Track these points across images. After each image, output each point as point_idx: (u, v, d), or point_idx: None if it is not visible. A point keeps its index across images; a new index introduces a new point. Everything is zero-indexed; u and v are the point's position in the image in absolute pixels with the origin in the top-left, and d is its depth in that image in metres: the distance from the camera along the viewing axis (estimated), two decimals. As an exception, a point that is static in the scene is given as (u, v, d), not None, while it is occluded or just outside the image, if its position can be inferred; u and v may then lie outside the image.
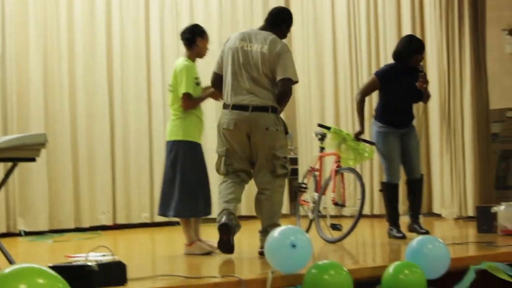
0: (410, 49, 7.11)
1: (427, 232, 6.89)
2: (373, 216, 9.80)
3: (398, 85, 7.08)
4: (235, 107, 5.96)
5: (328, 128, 7.30)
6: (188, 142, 6.30)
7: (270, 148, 5.94)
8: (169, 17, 10.38)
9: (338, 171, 7.09)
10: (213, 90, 6.34)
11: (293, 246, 4.36)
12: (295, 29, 11.13)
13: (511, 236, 6.65)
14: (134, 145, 10.06)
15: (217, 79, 6.20)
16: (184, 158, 6.25)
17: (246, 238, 7.35)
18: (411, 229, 7.09)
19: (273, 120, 5.95)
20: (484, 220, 7.10)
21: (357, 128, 7.28)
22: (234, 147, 6.02)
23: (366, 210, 9.92)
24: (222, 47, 6.27)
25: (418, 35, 9.87)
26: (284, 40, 6.28)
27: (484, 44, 9.81)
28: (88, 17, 9.84)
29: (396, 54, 7.19)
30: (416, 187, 7.23)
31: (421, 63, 7.31)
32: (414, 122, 7.42)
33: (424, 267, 4.67)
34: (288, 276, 4.39)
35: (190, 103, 6.28)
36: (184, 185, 6.23)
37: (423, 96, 7.25)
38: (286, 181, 6.39)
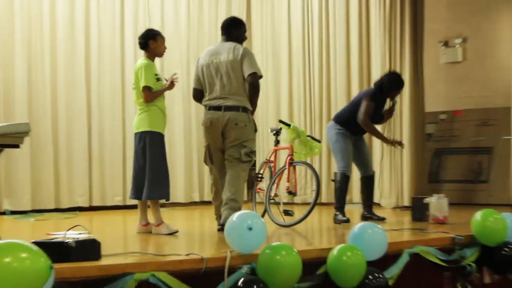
0: (397, 86, 7.40)
1: (383, 219, 7.20)
2: (320, 204, 9.84)
3: (374, 109, 7.25)
4: (211, 108, 6.29)
5: (288, 125, 7.34)
6: (155, 133, 6.28)
7: (238, 139, 6.19)
8: (142, 20, 10.34)
9: (292, 163, 7.12)
10: (170, 84, 6.39)
11: (250, 229, 4.38)
12: (255, 36, 11.23)
13: (441, 224, 6.74)
14: (108, 136, 10.04)
15: (197, 94, 6.54)
16: (151, 146, 6.24)
17: (208, 221, 7.37)
18: (367, 217, 7.25)
19: (243, 118, 6.21)
20: (418, 209, 7.18)
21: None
22: (212, 142, 6.33)
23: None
24: (196, 65, 6.55)
25: (364, 45, 10.01)
26: (245, 43, 6.44)
27: (422, 54, 9.92)
28: (68, 20, 9.80)
29: (381, 85, 7.36)
30: (370, 182, 7.47)
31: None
32: None
33: (364, 250, 4.71)
34: (244, 256, 4.40)
35: (150, 94, 6.25)
36: (153, 171, 6.22)
37: (384, 120, 7.62)
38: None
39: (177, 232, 6.15)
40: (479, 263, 5.54)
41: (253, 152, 6.34)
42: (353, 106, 7.37)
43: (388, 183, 9.70)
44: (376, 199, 9.37)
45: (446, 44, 10.39)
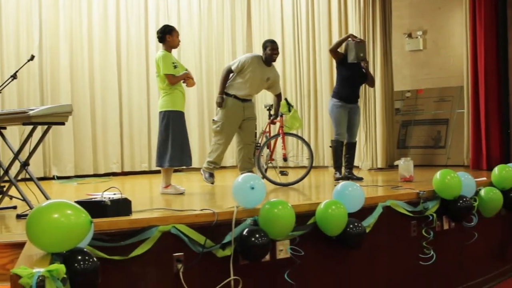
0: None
1: (361, 178, 7.10)
2: (316, 167, 9.83)
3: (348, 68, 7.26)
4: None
5: (291, 105, 7.28)
6: (176, 111, 6.23)
7: None
8: (162, 18, 10.28)
9: (285, 133, 7.07)
10: (187, 73, 6.30)
11: (252, 188, 4.36)
12: (254, 29, 11.16)
13: (407, 182, 6.73)
14: (136, 112, 10.02)
15: (228, 73, 6.86)
16: (173, 123, 6.18)
17: (217, 182, 7.35)
18: (348, 177, 7.14)
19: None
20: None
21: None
22: None
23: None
24: (244, 58, 6.81)
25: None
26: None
27: (390, 44, 9.85)
28: (102, 17, 9.74)
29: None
30: (352, 148, 7.37)
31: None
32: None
33: (346, 204, 4.70)
34: (248, 210, 4.39)
35: (173, 78, 6.16)
36: (174, 143, 6.17)
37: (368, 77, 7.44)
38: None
39: (183, 192, 6.11)
40: (440, 213, 5.54)
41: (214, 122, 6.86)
42: (337, 78, 7.35)
43: (365, 149, 9.66)
44: (355, 162, 9.37)
45: (409, 35, 10.34)
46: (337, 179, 7.05)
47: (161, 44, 6.39)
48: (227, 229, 4.19)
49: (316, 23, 10.42)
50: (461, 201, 5.50)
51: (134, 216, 4.12)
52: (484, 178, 6.43)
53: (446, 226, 5.65)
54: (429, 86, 10.12)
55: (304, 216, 4.63)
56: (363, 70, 7.31)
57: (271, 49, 6.79)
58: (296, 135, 7.37)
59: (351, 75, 7.18)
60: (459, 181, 5.53)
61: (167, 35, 6.31)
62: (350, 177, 7.16)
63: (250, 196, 4.37)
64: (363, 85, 7.87)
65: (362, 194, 4.88)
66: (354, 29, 9.79)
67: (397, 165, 7.17)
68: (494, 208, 5.92)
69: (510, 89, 8.53)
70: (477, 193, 5.85)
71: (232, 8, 11.21)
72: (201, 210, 4.34)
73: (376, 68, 9.59)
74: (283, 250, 4.48)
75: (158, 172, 8.17)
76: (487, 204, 5.84)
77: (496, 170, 6.26)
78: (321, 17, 10.33)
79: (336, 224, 4.59)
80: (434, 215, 5.42)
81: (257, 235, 4.17)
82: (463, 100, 9.13)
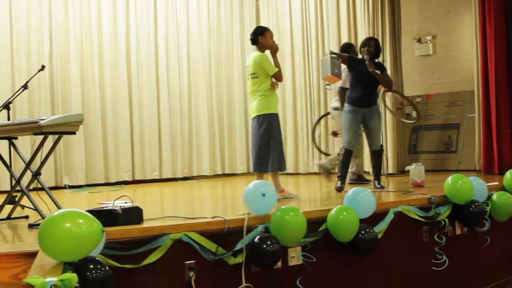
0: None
1: (382, 187, 6.77)
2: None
3: (358, 72, 7.06)
4: None
5: None
6: (275, 114, 6.12)
7: None
8: (172, 27, 10.31)
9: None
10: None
11: (263, 195, 4.36)
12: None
13: (419, 187, 6.70)
14: (147, 122, 10.03)
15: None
16: (274, 126, 6.08)
17: (228, 189, 7.35)
18: (375, 185, 6.89)
19: None
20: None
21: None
22: None
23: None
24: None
25: (357, 44, 9.84)
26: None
27: (400, 49, 9.84)
28: (112, 27, 9.78)
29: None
30: (375, 155, 7.00)
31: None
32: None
33: (357, 210, 4.69)
34: (259, 217, 4.39)
35: (281, 76, 6.15)
36: (277, 146, 6.08)
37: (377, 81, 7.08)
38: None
39: (297, 196, 6.04)
40: (452, 218, 5.51)
41: None
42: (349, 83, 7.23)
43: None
44: (366, 167, 9.32)
45: (419, 40, 10.31)
46: (337, 189, 6.68)
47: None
48: (238, 237, 4.19)
49: (325, 30, 10.42)
50: (473, 206, 5.47)
51: (145, 224, 4.13)
52: (496, 183, 6.40)
53: (458, 231, 5.63)
54: (440, 91, 10.08)
55: (315, 223, 4.62)
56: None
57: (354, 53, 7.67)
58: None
59: (360, 76, 6.89)
60: (470, 186, 5.51)
61: (260, 36, 6.24)
62: (379, 187, 6.85)
63: (261, 203, 4.37)
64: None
65: (373, 200, 4.87)
66: (363, 34, 9.78)
67: (408, 171, 7.14)
68: (507, 213, 5.89)
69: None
70: (489, 197, 5.82)
71: (241, 17, 11.23)
72: (212, 217, 4.34)
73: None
74: (295, 257, 4.47)
75: (170, 180, 8.21)
76: (499, 208, 5.81)
77: (508, 174, 6.23)
78: (330, 24, 10.33)
79: (347, 230, 4.58)
80: (446, 220, 5.40)
81: (268, 242, 4.17)
82: (474, 104, 9.09)
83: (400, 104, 8.61)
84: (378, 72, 6.84)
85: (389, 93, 8.55)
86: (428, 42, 10.22)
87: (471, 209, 5.46)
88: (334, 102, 8.04)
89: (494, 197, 5.84)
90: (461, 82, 9.82)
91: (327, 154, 8.59)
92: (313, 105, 10.53)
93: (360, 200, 4.77)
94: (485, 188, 5.76)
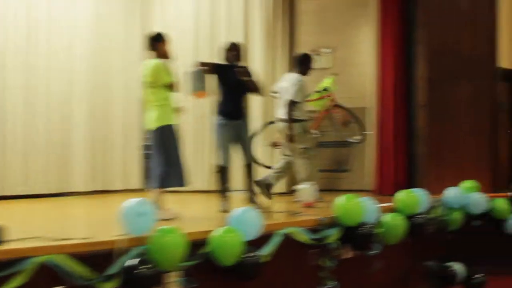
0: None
1: (264, 206, 6.87)
2: (207, 191, 9.82)
3: (224, 78, 7.13)
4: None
5: None
6: (170, 126, 6.11)
7: None
8: (44, 33, 9.97)
9: None
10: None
11: (140, 214, 4.32)
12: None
13: (309, 208, 6.86)
14: (20, 133, 9.54)
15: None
16: (169, 139, 6.08)
17: (105, 207, 7.21)
18: (252, 201, 7.06)
19: None
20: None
21: None
22: None
23: (201, 187, 9.98)
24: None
25: (251, 54, 9.94)
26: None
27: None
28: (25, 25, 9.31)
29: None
30: (248, 170, 7.14)
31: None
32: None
33: (243, 231, 4.74)
34: (136, 238, 4.34)
35: (178, 85, 6.13)
36: (171, 161, 6.09)
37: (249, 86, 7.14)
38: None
39: (176, 216, 5.98)
40: (342, 241, 5.67)
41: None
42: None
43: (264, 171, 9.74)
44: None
45: (316, 52, 10.54)
46: (222, 211, 6.65)
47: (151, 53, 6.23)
48: (112, 259, 4.12)
49: (217, 36, 10.42)
50: (363, 228, 5.67)
51: (6, 246, 3.99)
52: (389, 204, 6.67)
53: (348, 255, 5.80)
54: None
55: (198, 245, 4.63)
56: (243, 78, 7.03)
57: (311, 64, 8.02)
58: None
59: (232, 86, 6.95)
60: (361, 207, 5.71)
61: (157, 43, 6.19)
62: (253, 201, 7.04)
63: (138, 222, 4.33)
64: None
65: (259, 221, 4.93)
66: (259, 44, 9.92)
67: (298, 190, 7.30)
68: (398, 235, 6.15)
69: (418, 112, 8.89)
70: (380, 219, 6.06)
71: (126, 17, 11.00)
72: (84, 238, 4.26)
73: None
74: (174, 282, 4.46)
75: (40, 196, 7.88)
76: (390, 230, 6.06)
77: (400, 195, 6.52)
78: (222, 31, 10.35)
79: (231, 253, 4.62)
80: (336, 243, 5.55)
81: (145, 266, 4.13)
82: (371, 121, 9.41)
83: (346, 122, 8.82)
84: (249, 79, 7.00)
85: (337, 109, 8.77)
86: (326, 54, 10.48)
87: (361, 231, 5.65)
88: (281, 113, 8.09)
89: (386, 218, 6.10)
90: (358, 98, 10.13)
91: (267, 167, 8.67)
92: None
93: (246, 221, 4.83)
94: (376, 209, 5.99)
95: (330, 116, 8.81)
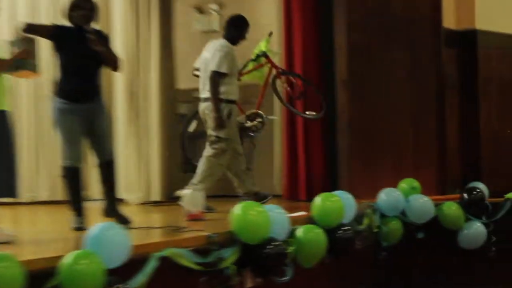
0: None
1: (127, 222, 6.75)
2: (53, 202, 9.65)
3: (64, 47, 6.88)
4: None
5: None
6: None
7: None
8: None
9: None
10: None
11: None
12: None
13: (196, 221, 6.85)
14: None
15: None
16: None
17: None
18: (110, 214, 6.92)
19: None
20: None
21: None
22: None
23: (44, 197, 9.80)
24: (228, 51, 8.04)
25: (108, 13, 9.81)
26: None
27: (171, 19, 10.00)
28: None
29: None
30: (109, 170, 6.98)
31: None
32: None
33: (103, 256, 4.66)
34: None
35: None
36: None
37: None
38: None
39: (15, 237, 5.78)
40: (240, 264, 5.68)
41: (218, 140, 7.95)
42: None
43: (135, 173, 9.69)
44: (120, 193, 9.33)
45: (200, 10, 10.55)
46: (76, 229, 6.58)
47: None
48: None
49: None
50: (269, 247, 5.68)
51: None
52: (303, 213, 6.74)
53: (249, 283, 5.81)
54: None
55: (42, 277, 4.52)
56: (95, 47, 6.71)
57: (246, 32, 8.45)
58: None
59: (77, 57, 6.72)
60: (266, 218, 5.72)
61: None
62: (113, 214, 6.97)
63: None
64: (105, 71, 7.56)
65: (127, 241, 4.87)
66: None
67: (181, 197, 7.28)
68: (316, 254, 6.23)
69: (338, 91, 8.99)
70: (292, 233, 6.11)
71: None
72: None
73: (151, 56, 9.70)
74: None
75: None
76: (306, 248, 6.12)
77: (318, 200, 6.59)
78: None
79: (88, 285, 4.55)
80: (232, 267, 5.55)
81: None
82: (273, 102, 9.48)
83: (300, 93, 8.75)
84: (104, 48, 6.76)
85: (283, 78, 8.71)
86: (213, 12, 10.49)
87: (267, 251, 5.67)
88: (206, 92, 8.02)
89: (299, 232, 6.14)
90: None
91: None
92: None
93: (107, 242, 4.76)
94: (286, 221, 6.03)
95: (274, 89, 8.79)
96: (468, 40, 9.75)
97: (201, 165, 8.08)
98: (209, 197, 7.87)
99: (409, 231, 7.77)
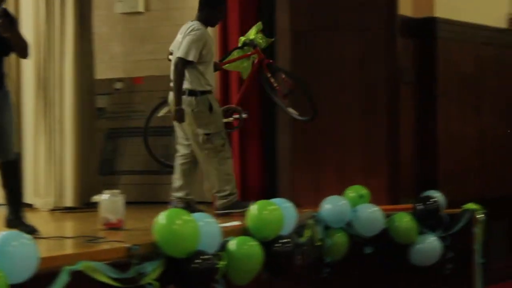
0: None
1: (34, 231, 6.62)
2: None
3: None
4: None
5: None
6: None
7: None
8: None
9: None
10: None
11: None
12: None
13: (114, 230, 6.83)
14: None
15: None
16: None
17: None
18: (13, 224, 6.86)
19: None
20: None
21: None
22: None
23: None
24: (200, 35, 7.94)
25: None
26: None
27: (90, 1, 9.94)
28: None
29: None
30: (13, 171, 6.89)
31: None
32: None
33: (6, 270, 4.64)
34: None
35: None
36: None
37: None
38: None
39: None
40: (164, 280, 5.69)
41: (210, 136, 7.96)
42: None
43: (44, 175, 9.63)
44: (28, 198, 9.27)
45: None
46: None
47: None
48: None
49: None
50: (197, 261, 5.70)
51: None
52: (237, 223, 6.77)
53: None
54: (154, 72, 10.37)
55: None
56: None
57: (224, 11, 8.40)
58: None
59: None
60: (194, 229, 5.74)
61: None
62: (16, 223, 6.89)
63: None
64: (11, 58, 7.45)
65: (35, 253, 4.85)
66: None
67: (98, 203, 7.26)
68: (250, 270, 6.26)
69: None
70: (224, 246, 6.14)
71: None
72: None
73: (65, 41, 9.64)
74: None
75: None
76: (239, 263, 6.15)
77: (253, 209, 6.62)
78: None
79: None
80: (155, 283, 5.57)
81: None
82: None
83: (289, 90, 8.65)
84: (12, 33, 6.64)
85: (270, 72, 8.65)
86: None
87: (194, 265, 5.69)
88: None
89: (232, 245, 6.17)
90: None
91: (168, 166, 8.74)
92: None
93: (11, 253, 4.73)
94: (217, 232, 6.05)
95: (264, 80, 8.74)
96: (426, 29, 9.85)
97: (210, 173, 8.13)
98: (131, 203, 7.83)
99: (356, 245, 7.84)
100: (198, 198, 9.46)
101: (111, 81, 10.44)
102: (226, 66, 8.79)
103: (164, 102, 8.59)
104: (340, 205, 7.80)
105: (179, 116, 7.88)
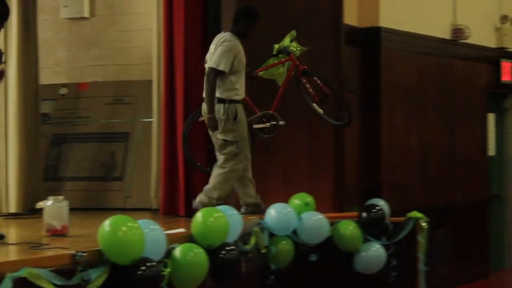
0: None
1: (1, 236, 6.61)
2: None
3: None
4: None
5: None
6: None
7: None
8: None
9: None
10: None
11: None
12: None
13: (59, 237, 6.76)
14: None
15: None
16: None
17: None
18: None
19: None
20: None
21: None
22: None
23: None
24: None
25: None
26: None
27: (34, 4, 9.84)
28: None
29: None
30: None
31: None
32: None
33: None
34: None
35: None
36: None
37: None
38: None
39: None
40: (110, 287, 5.65)
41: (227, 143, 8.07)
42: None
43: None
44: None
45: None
46: None
47: None
48: None
49: None
50: (142, 268, 5.66)
51: None
52: (182, 230, 6.74)
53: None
54: (98, 78, 10.34)
55: None
56: None
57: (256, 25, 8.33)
58: None
59: None
60: (139, 236, 5.71)
61: None
62: None
63: None
64: None
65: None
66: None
67: (42, 209, 7.19)
68: (196, 277, 6.23)
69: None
70: (169, 253, 6.11)
71: None
72: None
73: (9, 45, 9.54)
74: None
75: None
76: (184, 270, 6.12)
77: (199, 216, 6.60)
78: None
79: None
80: (100, 290, 5.53)
81: None
82: (151, 103, 9.45)
83: (324, 95, 8.59)
84: None
85: (305, 78, 8.69)
86: (83, -3, 10.43)
87: (139, 272, 5.65)
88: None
89: (177, 252, 6.15)
90: (134, 66, 10.18)
91: (204, 171, 8.69)
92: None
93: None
94: (163, 239, 6.02)
95: (300, 87, 8.72)
96: (371, 39, 9.91)
97: (214, 172, 8.21)
98: (76, 209, 7.77)
99: (301, 252, 7.85)
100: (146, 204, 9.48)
101: (56, 86, 10.36)
102: (261, 74, 8.83)
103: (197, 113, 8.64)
104: (285, 213, 7.80)
105: (212, 124, 7.97)
